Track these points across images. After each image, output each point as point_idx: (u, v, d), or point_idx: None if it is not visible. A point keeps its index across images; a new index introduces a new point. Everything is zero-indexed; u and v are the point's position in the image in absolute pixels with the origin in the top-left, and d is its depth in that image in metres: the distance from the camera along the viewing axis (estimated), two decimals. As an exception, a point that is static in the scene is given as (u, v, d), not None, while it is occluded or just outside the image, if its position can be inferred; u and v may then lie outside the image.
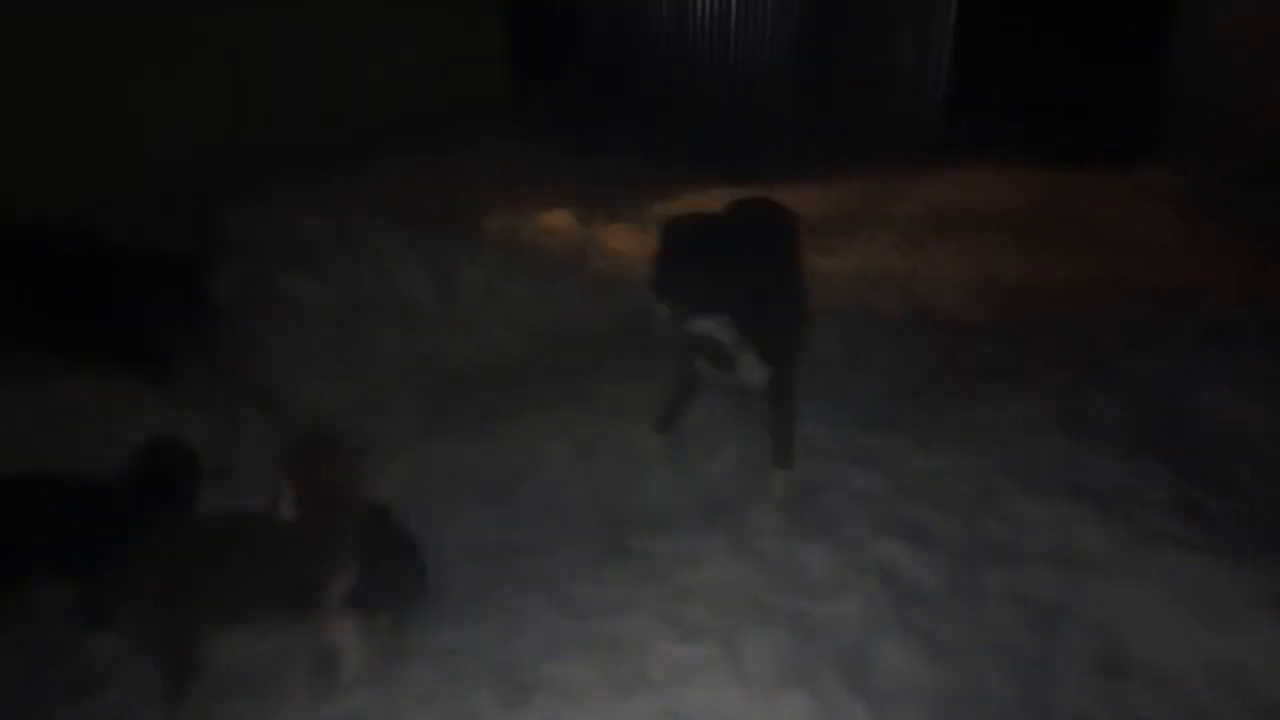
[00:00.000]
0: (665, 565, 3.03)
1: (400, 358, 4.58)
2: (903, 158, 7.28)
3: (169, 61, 6.07)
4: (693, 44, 8.13)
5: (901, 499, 3.31)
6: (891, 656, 2.65)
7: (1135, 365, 4.21)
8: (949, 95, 7.50)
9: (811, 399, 3.91)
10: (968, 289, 5.15)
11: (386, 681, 2.59)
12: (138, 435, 2.82)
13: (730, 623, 2.74)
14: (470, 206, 6.39)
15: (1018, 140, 6.92)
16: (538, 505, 3.38)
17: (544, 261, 5.53)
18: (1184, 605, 2.77)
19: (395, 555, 2.68)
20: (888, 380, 4.16)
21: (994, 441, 3.63)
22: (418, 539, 2.79)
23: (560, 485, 3.48)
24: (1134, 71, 6.94)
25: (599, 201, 6.47)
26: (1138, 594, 2.83)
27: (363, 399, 4.17)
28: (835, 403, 3.96)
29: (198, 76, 6.24)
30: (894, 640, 2.69)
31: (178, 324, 4.14)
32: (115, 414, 3.81)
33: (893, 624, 2.75)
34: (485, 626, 2.79)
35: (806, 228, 3.72)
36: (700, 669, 2.60)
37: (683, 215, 3.05)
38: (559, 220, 6.23)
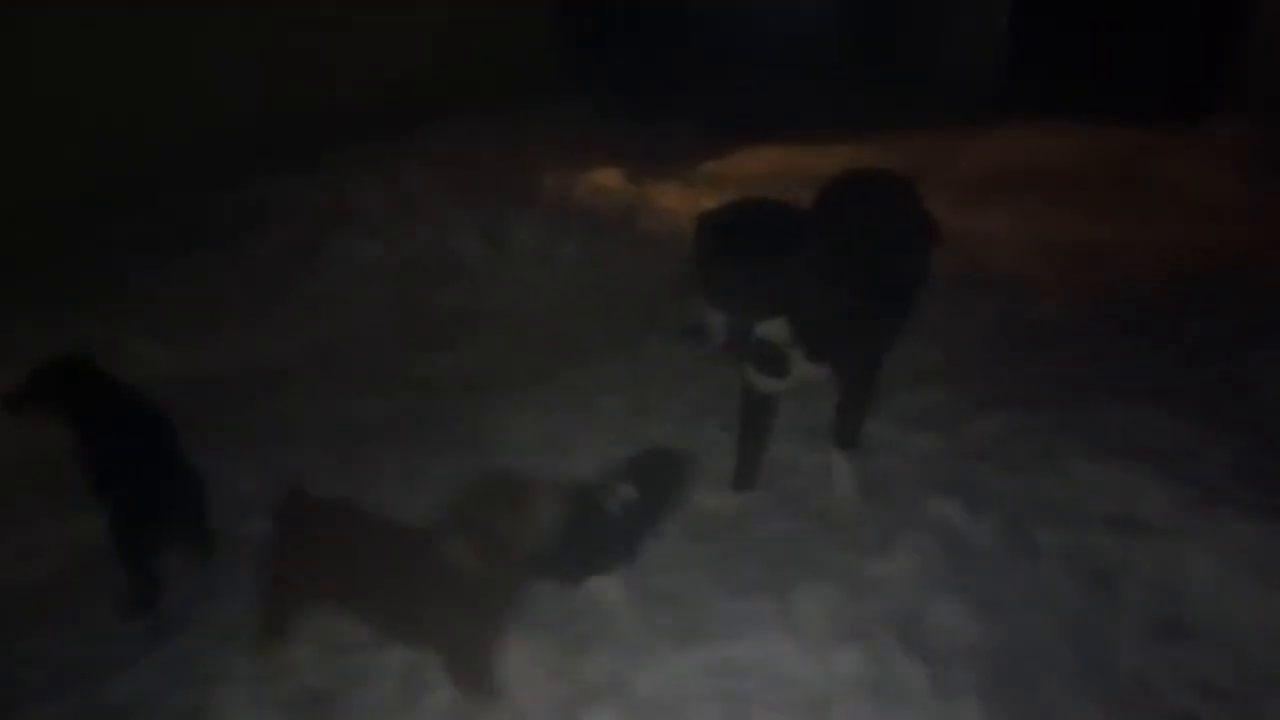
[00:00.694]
0: (718, 521, 3.05)
1: (453, 316, 4.62)
2: (962, 114, 7.12)
3: (223, 30, 6.14)
4: (744, 1, 8.01)
5: (958, 459, 3.28)
6: (946, 615, 2.63)
7: (1199, 326, 4.11)
8: (1010, 49, 7.31)
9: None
10: (1028, 248, 5.05)
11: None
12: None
13: (784, 579, 2.75)
14: (521, 167, 6.40)
15: (1081, 95, 6.72)
16: (589, 459, 3.40)
17: (594, 220, 5.52)
18: (1246, 568, 2.72)
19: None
20: (946, 340, 4.11)
21: (1054, 402, 3.58)
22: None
23: (613, 443, 3.50)
24: (1202, 22, 6.70)
25: (649, 161, 6.43)
26: (1198, 556, 2.78)
27: (414, 358, 4.22)
28: (892, 363, 3.90)
29: (253, 44, 6.30)
30: (948, 599, 2.68)
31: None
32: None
33: (947, 582, 2.74)
34: (545, 581, 2.82)
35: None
36: (754, 624, 2.61)
37: (728, 209, 2.57)
38: (609, 180, 6.21)
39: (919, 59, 7.68)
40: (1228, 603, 2.66)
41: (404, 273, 5.13)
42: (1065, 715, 2.37)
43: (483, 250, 5.30)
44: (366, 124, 6.56)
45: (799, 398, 3.20)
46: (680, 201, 5.83)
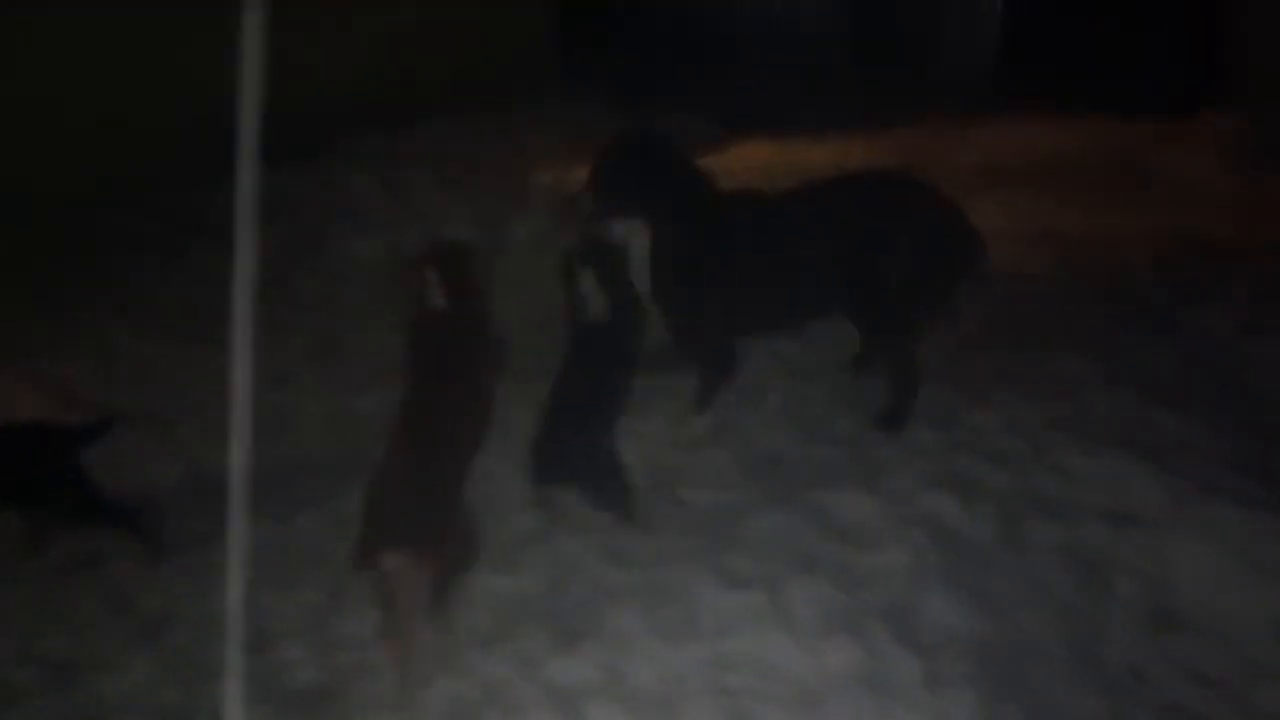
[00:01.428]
0: (712, 516, 3.06)
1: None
2: (957, 106, 7.12)
3: (220, 18, 6.13)
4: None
5: (952, 452, 3.29)
6: (939, 608, 2.65)
7: (1194, 318, 4.12)
8: (1003, 41, 7.30)
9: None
10: (1023, 241, 5.05)
11: (443, 627, 2.65)
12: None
13: (776, 573, 2.76)
14: (519, 164, 6.40)
15: (1075, 87, 6.72)
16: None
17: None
18: (1238, 559, 2.75)
19: None
20: (940, 333, 4.11)
21: (1048, 395, 3.58)
22: None
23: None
24: (1197, 13, 6.69)
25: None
26: (1191, 548, 2.80)
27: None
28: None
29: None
30: (942, 592, 2.69)
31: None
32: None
33: (941, 576, 2.75)
34: (537, 574, 2.84)
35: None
36: (747, 618, 2.62)
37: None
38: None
39: (915, 52, 7.67)
40: (1219, 594, 2.68)
41: (400, 269, 5.13)
42: (1058, 706, 2.38)
43: (478, 244, 5.31)
44: (365, 120, 6.56)
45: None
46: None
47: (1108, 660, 2.52)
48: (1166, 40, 6.80)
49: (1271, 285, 4.31)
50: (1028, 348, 3.94)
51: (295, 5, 6.44)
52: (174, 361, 4.16)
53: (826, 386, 3.74)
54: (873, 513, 3.02)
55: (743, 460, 3.33)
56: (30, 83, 5.30)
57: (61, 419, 3.25)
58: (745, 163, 6.47)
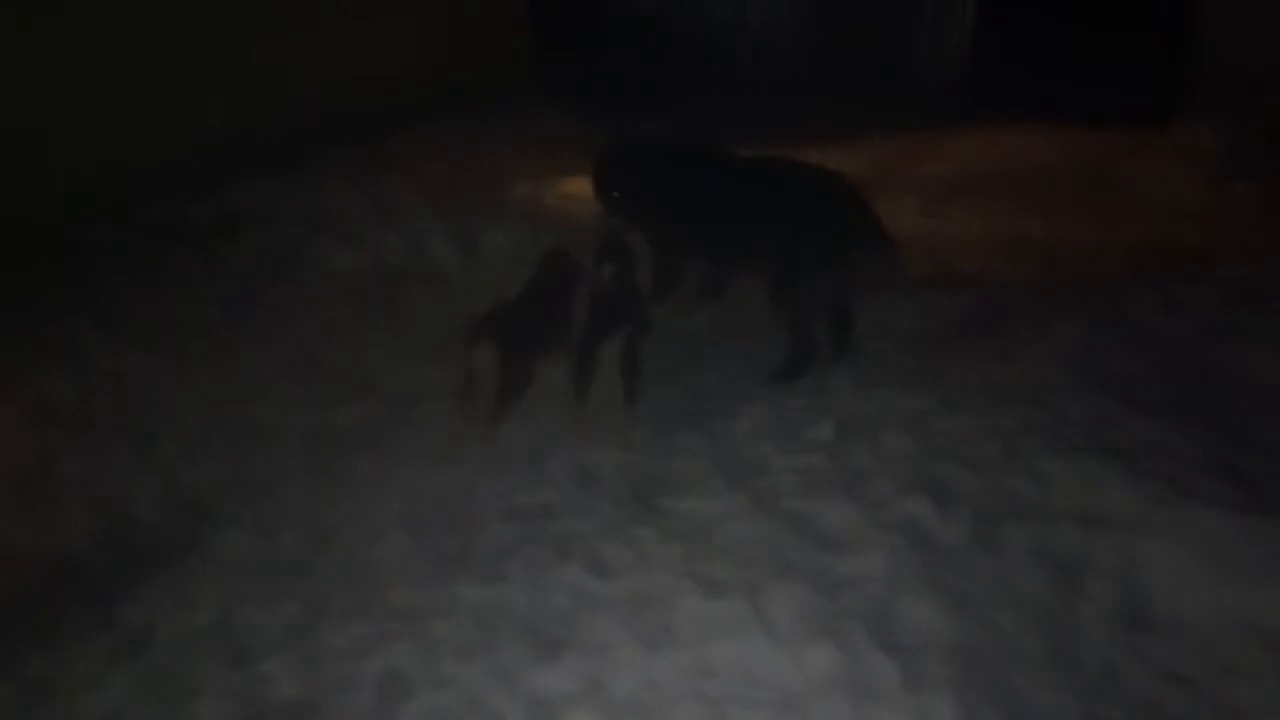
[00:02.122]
0: (691, 524, 3.08)
1: (427, 323, 4.63)
2: (928, 119, 7.21)
3: (199, 35, 6.13)
4: (711, 8, 8.06)
5: (927, 457, 3.32)
6: (916, 611, 2.68)
7: (1164, 324, 4.18)
8: (973, 54, 7.40)
9: (838, 360, 3.96)
10: (995, 250, 5.13)
11: (421, 637, 2.66)
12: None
13: (756, 579, 2.79)
14: (494, 174, 6.43)
15: (1045, 99, 6.83)
16: (565, 466, 3.43)
17: (565, 226, 5.55)
18: (1209, 561, 2.78)
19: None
20: (915, 341, 4.16)
21: (1022, 401, 3.63)
22: None
23: (587, 447, 3.52)
24: (1165, 27, 6.81)
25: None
26: (1163, 550, 2.84)
27: (389, 366, 4.23)
28: (861, 364, 3.98)
29: (227, 50, 6.30)
30: (919, 596, 2.72)
31: None
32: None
33: (917, 580, 2.78)
34: (516, 584, 2.85)
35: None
36: (727, 624, 2.64)
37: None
38: (578, 188, 6.25)
39: (886, 64, 7.75)
40: (1190, 593, 2.71)
41: (378, 280, 5.13)
42: (1035, 706, 2.41)
43: (455, 255, 5.32)
44: (341, 130, 6.57)
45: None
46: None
47: (1082, 660, 2.55)
48: (1136, 52, 6.91)
49: (1239, 291, 4.38)
50: (1001, 353, 4.00)
51: (272, 16, 6.54)
52: (152, 375, 4.14)
53: (803, 396, 3.78)
54: (850, 518, 3.05)
55: (723, 468, 3.35)
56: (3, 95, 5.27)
57: None
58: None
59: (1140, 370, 3.85)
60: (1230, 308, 4.26)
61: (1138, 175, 6.18)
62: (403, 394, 3.95)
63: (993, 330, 4.21)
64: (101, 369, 4.20)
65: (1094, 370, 3.84)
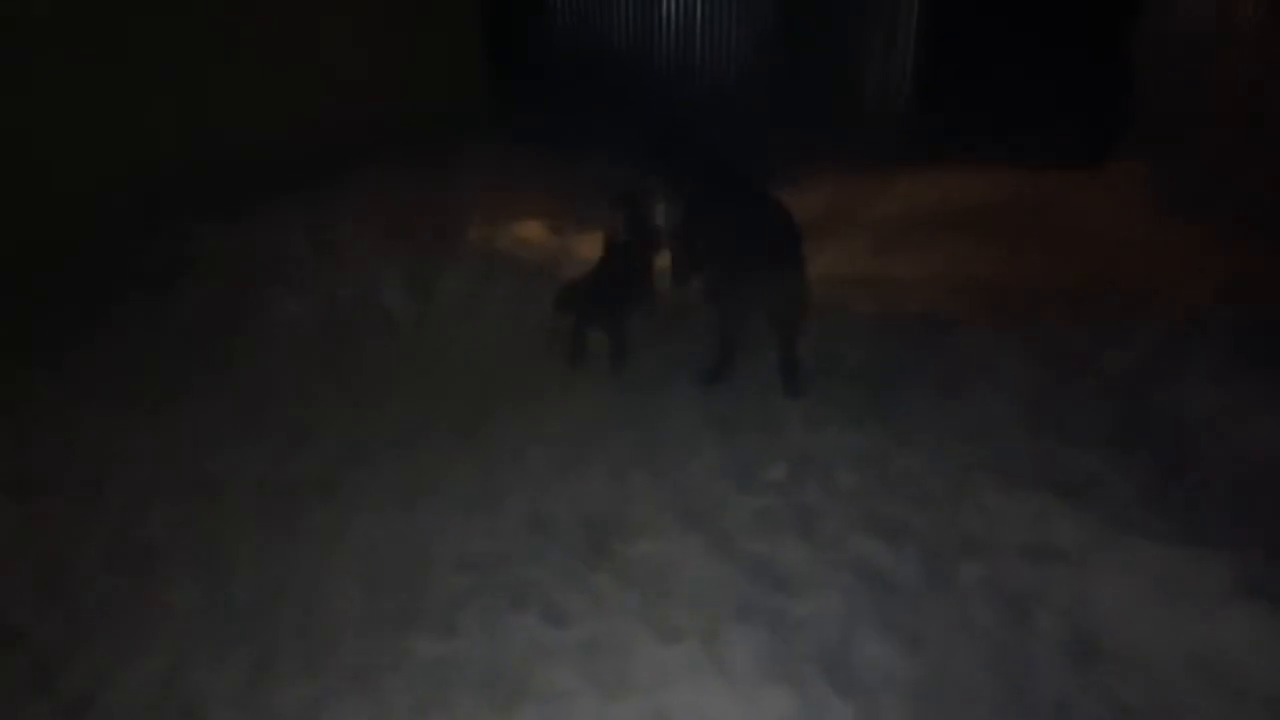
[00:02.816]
0: (646, 568, 3.08)
1: (380, 369, 4.61)
2: (874, 160, 7.36)
3: (148, 70, 6.09)
4: (661, 50, 8.18)
5: (878, 496, 3.37)
6: (871, 651, 2.70)
7: (1108, 360, 4.28)
8: (917, 96, 7.57)
9: (790, 400, 4.01)
10: (942, 289, 5.22)
11: (373, 694, 2.62)
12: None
13: (712, 623, 2.79)
14: (448, 216, 6.43)
15: (989, 140, 7.01)
16: (520, 512, 3.42)
17: (519, 271, 5.56)
18: (1155, 593, 2.84)
19: None
20: (864, 380, 4.22)
21: (970, 437, 3.70)
22: None
23: (542, 492, 3.51)
24: (1103, 68, 7.02)
25: (572, 209, 6.50)
26: (1110, 583, 2.90)
27: (341, 413, 4.19)
28: (812, 403, 4.02)
29: (175, 85, 6.28)
30: (873, 635, 2.75)
31: None
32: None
33: (872, 619, 2.81)
34: (471, 635, 2.83)
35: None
36: (684, 670, 2.64)
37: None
38: (533, 231, 6.28)
39: (830, 107, 7.89)
40: (1137, 624, 2.77)
41: (330, 326, 5.09)
42: (988, 744, 2.44)
43: (409, 301, 5.30)
44: (292, 170, 6.54)
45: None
46: (600, 251, 5.89)
47: (1034, 693, 2.58)
48: (1073, 94, 7.12)
49: (1176, 327, 4.50)
50: (949, 392, 4.07)
51: (222, 58, 6.51)
52: (98, 425, 4.06)
53: (755, 433, 3.82)
54: (805, 559, 3.08)
55: (676, 511, 3.36)
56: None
57: None
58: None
59: (1084, 406, 3.94)
60: (1171, 342, 4.37)
61: (1077, 212, 6.35)
62: (355, 443, 3.92)
63: (941, 368, 4.29)
64: (46, 418, 4.12)
65: (1038, 406, 3.92)
